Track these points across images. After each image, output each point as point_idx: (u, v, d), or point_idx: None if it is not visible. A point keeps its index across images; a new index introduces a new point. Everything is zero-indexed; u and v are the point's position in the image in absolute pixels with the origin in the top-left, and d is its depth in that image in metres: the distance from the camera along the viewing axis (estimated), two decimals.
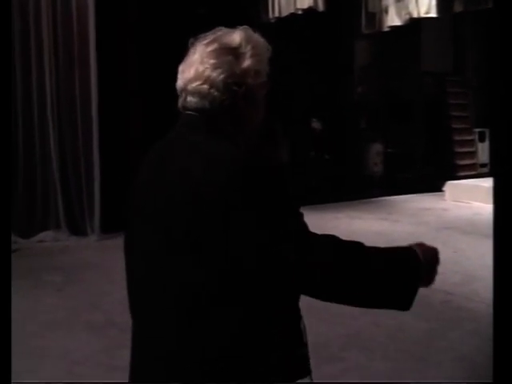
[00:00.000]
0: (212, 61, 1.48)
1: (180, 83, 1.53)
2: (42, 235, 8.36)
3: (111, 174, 8.69)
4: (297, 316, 1.56)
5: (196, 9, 9.90)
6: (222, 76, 1.48)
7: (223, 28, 1.55)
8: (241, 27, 1.55)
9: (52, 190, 8.58)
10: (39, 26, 8.38)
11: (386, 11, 10.68)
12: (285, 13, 10.15)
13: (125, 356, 4.70)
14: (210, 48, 1.50)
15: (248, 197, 1.37)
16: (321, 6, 9.79)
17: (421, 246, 1.55)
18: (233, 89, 1.48)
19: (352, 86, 13.60)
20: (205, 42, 1.52)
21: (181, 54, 1.57)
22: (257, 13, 10.73)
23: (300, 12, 9.96)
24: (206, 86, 1.48)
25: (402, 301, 1.50)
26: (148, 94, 8.94)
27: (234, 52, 1.49)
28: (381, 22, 10.85)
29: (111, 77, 8.72)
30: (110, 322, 5.08)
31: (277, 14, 10.26)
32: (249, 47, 1.51)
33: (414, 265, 1.50)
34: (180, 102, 1.55)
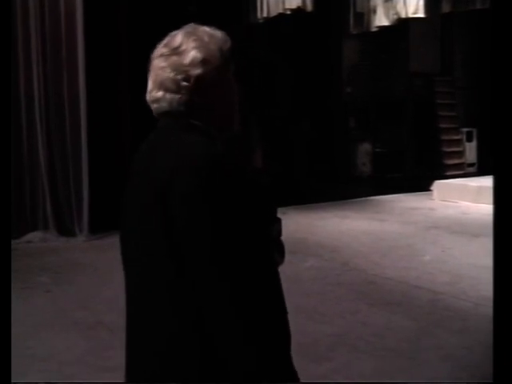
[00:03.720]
0: (161, 64, 1.57)
1: (147, 97, 1.63)
2: (30, 236, 8.34)
3: (99, 174, 8.68)
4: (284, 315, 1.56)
5: (186, 7, 9.91)
6: (170, 75, 1.55)
7: (173, 31, 1.62)
8: (185, 26, 1.62)
9: (40, 190, 8.56)
10: (27, 26, 8.35)
11: (374, 11, 10.73)
12: (273, 13, 10.17)
13: (113, 356, 4.72)
14: (159, 54, 1.59)
15: (209, 194, 1.40)
16: (309, 6, 9.82)
17: None
18: (183, 85, 1.55)
19: (340, 86, 13.65)
20: (157, 50, 1.61)
21: None
22: (246, 12, 10.75)
23: (288, 12, 9.99)
24: (160, 93, 1.57)
25: None
26: (138, 94, 8.91)
27: (177, 51, 1.56)
28: (369, 22, 10.90)
29: (100, 76, 8.70)
30: (98, 322, 5.08)
31: (265, 14, 10.28)
32: (190, 41, 1.57)
33: None
34: (153, 112, 1.64)
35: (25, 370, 4.05)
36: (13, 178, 8.27)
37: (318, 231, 8.45)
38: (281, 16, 10.20)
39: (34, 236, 8.38)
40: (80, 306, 5.52)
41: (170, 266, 1.45)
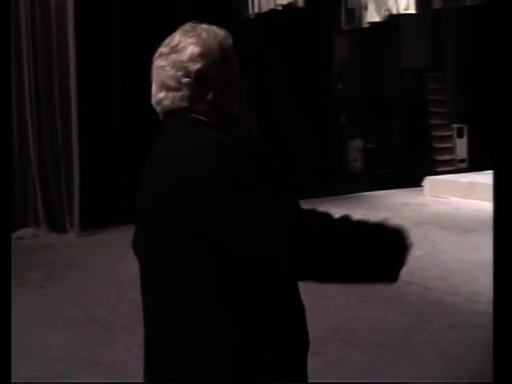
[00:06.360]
0: (161, 64, 1.58)
1: (151, 100, 1.62)
2: (21, 232, 8.31)
3: (91, 170, 8.66)
4: (301, 316, 1.62)
5: (178, 4, 9.87)
6: (170, 73, 1.55)
7: (174, 33, 1.62)
8: (183, 25, 1.63)
9: (31, 186, 8.54)
10: (17, 24, 8.32)
11: (366, 7, 10.73)
12: (264, 8, 10.16)
13: (106, 353, 4.72)
14: (159, 54, 1.60)
15: (238, 177, 1.39)
16: (300, 2, 9.81)
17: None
18: (184, 81, 1.54)
19: (332, 82, 13.65)
20: (157, 52, 1.62)
21: None
22: (237, 8, 10.74)
23: (280, 8, 9.98)
24: (163, 93, 1.57)
25: (391, 270, 1.54)
26: (130, 91, 8.91)
27: (175, 49, 1.57)
28: (360, 18, 10.90)
29: (92, 72, 8.67)
30: (91, 318, 5.07)
31: (256, 10, 10.27)
32: (187, 38, 1.57)
33: (401, 236, 1.53)
34: (159, 114, 1.63)
35: (17, 366, 4.05)
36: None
37: None
38: (272, 12, 10.19)
39: (25, 232, 8.36)
40: (72, 302, 5.52)
41: (206, 265, 1.43)
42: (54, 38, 8.48)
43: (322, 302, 5.29)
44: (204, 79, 1.55)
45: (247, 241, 1.37)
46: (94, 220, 8.46)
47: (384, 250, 1.49)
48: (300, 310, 1.61)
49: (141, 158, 1.75)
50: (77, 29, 8.44)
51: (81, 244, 8.01)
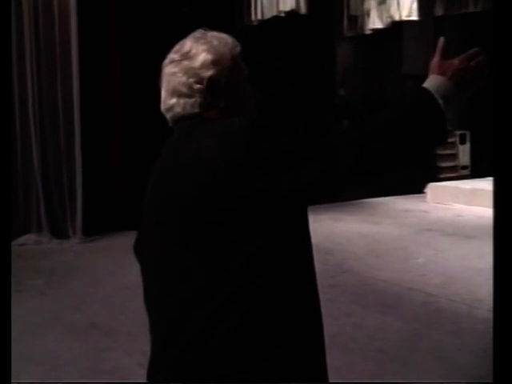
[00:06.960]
0: (173, 70, 1.58)
1: (161, 106, 1.63)
2: (23, 238, 8.31)
3: (93, 176, 8.67)
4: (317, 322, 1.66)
5: (179, 8, 9.89)
6: (182, 79, 1.56)
7: (184, 39, 1.63)
8: (194, 32, 1.64)
9: (34, 192, 8.54)
10: (20, 28, 8.34)
11: (368, 14, 10.75)
12: (267, 15, 10.18)
13: (107, 359, 4.71)
14: (170, 60, 1.60)
15: (269, 147, 1.47)
16: (303, 9, 9.83)
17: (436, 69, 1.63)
18: (196, 88, 1.56)
19: (334, 89, 13.67)
20: (167, 58, 1.62)
21: (164, 54, 1.63)
22: (239, 14, 10.76)
23: (282, 14, 10.00)
24: (174, 99, 1.58)
25: (434, 132, 1.53)
26: (131, 96, 8.93)
27: (187, 56, 1.58)
28: (363, 24, 10.92)
29: (94, 77, 8.69)
30: (92, 324, 5.07)
31: (259, 17, 10.28)
32: (199, 45, 1.58)
33: (422, 94, 1.58)
34: (169, 121, 1.63)
35: (18, 373, 4.04)
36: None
37: (311, 233, 8.44)
38: (275, 18, 10.21)
39: (28, 238, 8.36)
40: (74, 308, 5.52)
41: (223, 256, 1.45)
42: (57, 41, 8.49)
43: (324, 309, 5.28)
44: (216, 86, 1.56)
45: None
46: (97, 226, 8.47)
47: (418, 120, 1.55)
48: (314, 306, 1.67)
49: (144, 164, 1.75)
50: (79, 33, 8.46)
51: (83, 250, 8.01)
